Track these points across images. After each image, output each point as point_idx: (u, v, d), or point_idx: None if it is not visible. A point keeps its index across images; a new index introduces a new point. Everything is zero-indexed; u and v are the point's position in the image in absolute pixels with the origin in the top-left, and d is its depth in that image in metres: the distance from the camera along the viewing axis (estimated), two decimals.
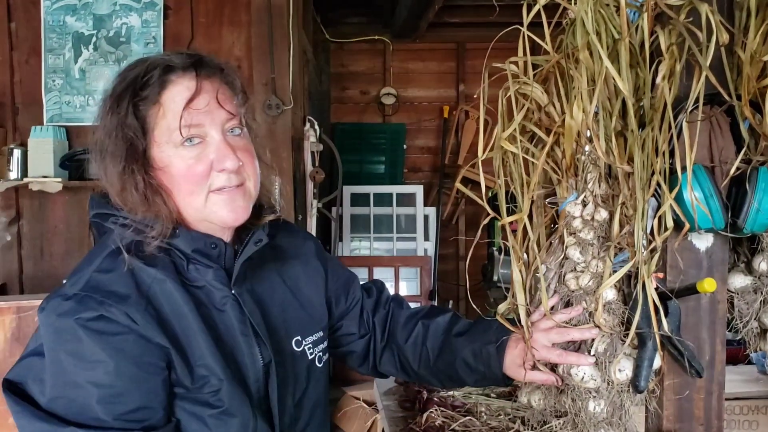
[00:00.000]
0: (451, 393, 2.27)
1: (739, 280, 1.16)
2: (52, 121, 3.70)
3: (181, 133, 1.00)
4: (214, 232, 1.08)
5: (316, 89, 4.47)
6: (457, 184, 1.34)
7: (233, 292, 1.05)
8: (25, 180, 3.43)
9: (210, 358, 0.98)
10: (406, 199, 5.03)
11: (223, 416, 0.98)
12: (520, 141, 1.17)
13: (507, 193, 1.21)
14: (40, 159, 3.50)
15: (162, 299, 0.99)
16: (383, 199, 5.00)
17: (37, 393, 0.96)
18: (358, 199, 4.96)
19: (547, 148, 1.09)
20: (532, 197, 1.14)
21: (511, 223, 1.17)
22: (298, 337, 1.14)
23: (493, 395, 2.25)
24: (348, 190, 4.85)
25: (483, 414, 2.03)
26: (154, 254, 1.02)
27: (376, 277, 4.94)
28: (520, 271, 1.17)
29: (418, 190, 4.98)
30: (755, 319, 1.17)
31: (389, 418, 2.07)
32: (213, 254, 1.05)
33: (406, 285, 4.93)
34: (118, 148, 1.00)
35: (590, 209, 1.10)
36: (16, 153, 3.54)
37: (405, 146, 5.21)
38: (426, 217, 5.03)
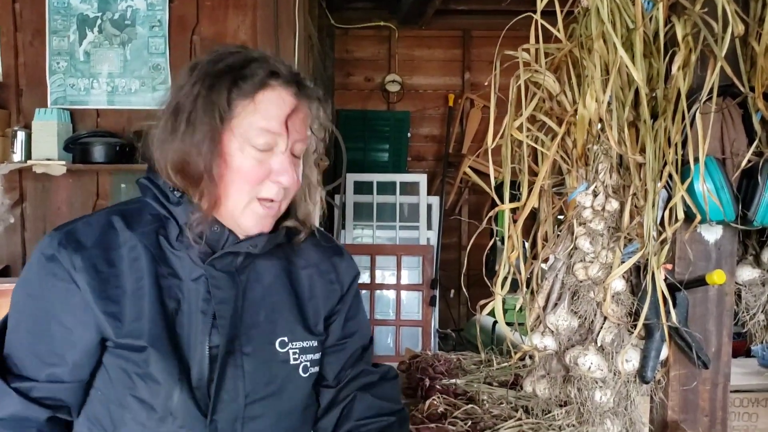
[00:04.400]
0: (453, 381, 2.28)
1: (747, 273, 1.16)
2: (57, 103, 3.69)
3: (260, 136, 1.03)
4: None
5: (321, 75, 4.45)
6: (467, 170, 1.33)
7: (206, 271, 1.05)
8: (29, 162, 3.42)
9: (144, 321, 1.01)
10: (410, 188, 5.02)
11: (147, 379, 1.01)
12: (530, 130, 1.17)
13: (514, 183, 1.21)
14: (44, 141, 3.49)
15: (125, 257, 1.04)
16: (386, 188, 4.99)
17: None
18: (362, 187, 4.95)
19: (558, 138, 1.08)
20: (542, 187, 1.14)
21: (514, 213, 1.17)
22: (284, 339, 1.11)
23: (495, 383, 2.26)
24: (351, 178, 4.84)
25: (485, 402, 2.03)
26: (141, 218, 1.06)
27: (378, 264, 4.95)
28: (512, 262, 1.18)
29: (421, 178, 4.97)
30: (762, 311, 1.17)
31: None
32: (211, 234, 1.06)
33: (408, 274, 4.94)
34: (199, 119, 1.01)
35: (601, 199, 1.10)
36: (20, 135, 3.53)
37: (409, 134, 5.19)
38: (429, 206, 5.02)
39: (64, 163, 3.42)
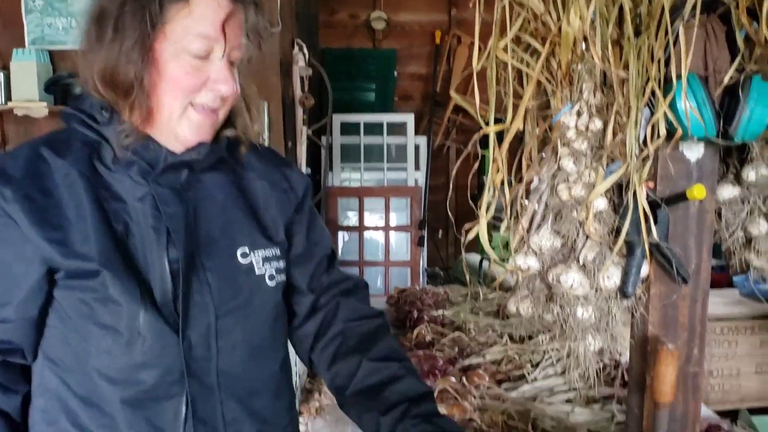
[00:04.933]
0: (440, 312, 2.32)
1: (728, 191, 1.18)
2: (35, 44, 3.60)
3: (196, 42, 0.98)
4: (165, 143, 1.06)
5: (304, 12, 4.37)
6: (454, 95, 1.32)
7: (150, 189, 1.03)
8: (10, 104, 3.37)
9: (93, 244, 0.98)
10: (397, 129, 4.99)
11: (108, 302, 0.99)
12: (515, 51, 1.17)
13: (498, 121, 1.21)
14: (23, 83, 3.43)
15: (61, 188, 1.00)
16: (373, 129, 4.97)
17: None
18: (348, 129, 4.92)
19: (543, 57, 1.08)
20: (527, 108, 1.14)
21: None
22: (245, 249, 1.10)
23: (481, 314, 2.30)
24: (338, 119, 4.81)
25: (471, 330, 2.08)
26: (70, 146, 1.02)
27: (366, 206, 4.96)
28: (497, 185, 1.19)
29: (409, 118, 4.94)
30: (741, 229, 1.19)
31: None
32: (146, 153, 1.03)
33: (396, 215, 4.96)
34: (129, 24, 0.96)
35: (585, 119, 1.10)
36: None
37: (396, 73, 5.14)
38: (417, 147, 5.01)
39: (45, 104, 3.38)
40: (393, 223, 4.96)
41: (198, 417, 1.03)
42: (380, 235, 4.98)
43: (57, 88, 3.45)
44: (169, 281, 1.02)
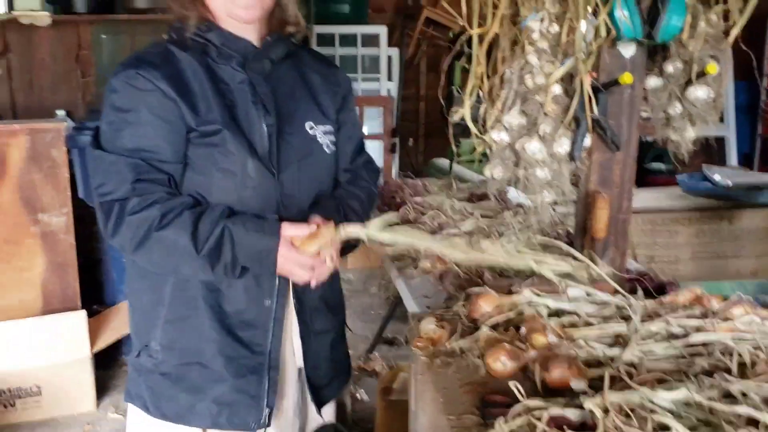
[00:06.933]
0: (419, 198, 2.69)
1: (653, 81, 1.55)
2: None
3: None
4: (241, 32, 1.45)
5: None
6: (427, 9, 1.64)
7: (248, 75, 1.44)
8: (14, 13, 3.52)
9: (215, 111, 1.38)
10: (370, 40, 5.23)
11: (227, 153, 1.38)
12: None
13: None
14: None
15: (188, 72, 1.40)
16: (348, 40, 5.19)
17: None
18: (325, 39, 5.14)
19: None
20: (502, 15, 1.48)
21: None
22: (311, 123, 1.51)
23: (455, 199, 2.68)
24: (315, 30, 5.02)
25: (448, 210, 2.46)
26: (187, 46, 1.42)
27: None
28: (478, 76, 1.53)
29: (381, 30, 5.18)
30: (662, 111, 1.57)
31: None
32: (238, 47, 1.44)
33: (369, 125, 5.26)
34: None
35: (546, 24, 1.45)
36: None
37: None
38: (389, 58, 5.27)
39: (49, 14, 3.55)
40: (366, 131, 5.26)
41: None
42: None
43: None
44: (267, 139, 1.43)
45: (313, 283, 1.42)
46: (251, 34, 1.46)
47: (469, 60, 1.75)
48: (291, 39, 1.52)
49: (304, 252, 1.36)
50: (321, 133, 1.53)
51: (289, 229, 1.37)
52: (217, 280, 1.41)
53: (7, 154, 2.83)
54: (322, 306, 1.59)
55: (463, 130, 1.62)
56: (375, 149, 5.29)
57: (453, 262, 1.96)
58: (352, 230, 1.41)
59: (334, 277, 1.57)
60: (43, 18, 3.59)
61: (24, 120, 3.53)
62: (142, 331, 1.51)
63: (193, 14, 1.42)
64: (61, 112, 3.90)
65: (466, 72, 1.63)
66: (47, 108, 4.00)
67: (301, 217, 1.44)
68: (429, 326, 1.36)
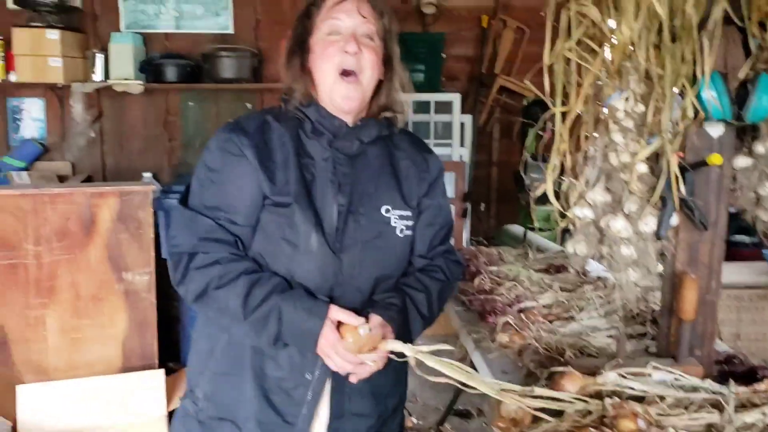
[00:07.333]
0: (495, 267, 2.68)
1: (742, 161, 1.52)
2: (129, 28, 4.01)
3: (325, 23, 1.46)
4: (338, 112, 1.50)
5: None
6: (524, 83, 1.67)
7: (332, 153, 1.48)
8: (109, 81, 3.78)
9: (291, 185, 1.43)
10: (444, 107, 5.31)
11: (292, 224, 1.41)
12: (575, 51, 1.52)
13: (543, 103, 1.55)
14: (121, 63, 3.84)
15: (276, 142, 1.46)
16: (421, 107, 5.29)
17: None
18: None
19: (600, 57, 1.43)
20: (586, 95, 1.49)
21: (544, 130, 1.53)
22: (388, 207, 1.52)
23: (531, 270, 2.66)
24: None
25: (525, 281, 2.44)
26: (285, 118, 1.50)
27: None
28: (561, 153, 1.54)
29: (455, 98, 5.25)
30: (752, 190, 1.53)
31: None
32: (332, 125, 1.49)
33: None
34: (293, 37, 1.51)
35: (631, 103, 1.45)
36: (99, 57, 3.88)
37: (444, 55, 5.45)
38: (462, 125, 5.33)
39: (141, 82, 3.79)
40: None
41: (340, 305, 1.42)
42: None
43: (150, 67, 3.86)
44: (335, 218, 1.45)
45: (353, 378, 1.41)
46: (348, 115, 1.50)
47: (543, 127, 1.78)
48: (386, 122, 1.55)
49: (346, 343, 1.34)
50: (396, 217, 1.52)
51: (337, 313, 1.37)
52: (263, 346, 1.44)
53: (97, 214, 2.97)
54: (366, 389, 1.51)
55: (537, 198, 1.62)
56: None
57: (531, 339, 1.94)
58: (398, 347, 1.36)
59: (387, 365, 1.46)
60: (136, 87, 3.81)
61: (113, 182, 3.71)
62: (193, 374, 1.56)
63: (300, 88, 1.49)
64: (147, 175, 4.09)
65: (539, 138, 1.64)
66: (135, 170, 4.21)
67: (360, 298, 1.45)
68: (511, 407, 1.34)
